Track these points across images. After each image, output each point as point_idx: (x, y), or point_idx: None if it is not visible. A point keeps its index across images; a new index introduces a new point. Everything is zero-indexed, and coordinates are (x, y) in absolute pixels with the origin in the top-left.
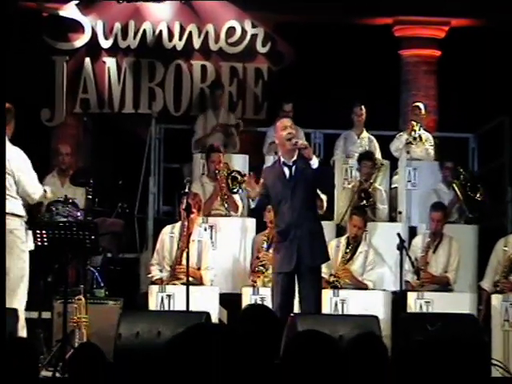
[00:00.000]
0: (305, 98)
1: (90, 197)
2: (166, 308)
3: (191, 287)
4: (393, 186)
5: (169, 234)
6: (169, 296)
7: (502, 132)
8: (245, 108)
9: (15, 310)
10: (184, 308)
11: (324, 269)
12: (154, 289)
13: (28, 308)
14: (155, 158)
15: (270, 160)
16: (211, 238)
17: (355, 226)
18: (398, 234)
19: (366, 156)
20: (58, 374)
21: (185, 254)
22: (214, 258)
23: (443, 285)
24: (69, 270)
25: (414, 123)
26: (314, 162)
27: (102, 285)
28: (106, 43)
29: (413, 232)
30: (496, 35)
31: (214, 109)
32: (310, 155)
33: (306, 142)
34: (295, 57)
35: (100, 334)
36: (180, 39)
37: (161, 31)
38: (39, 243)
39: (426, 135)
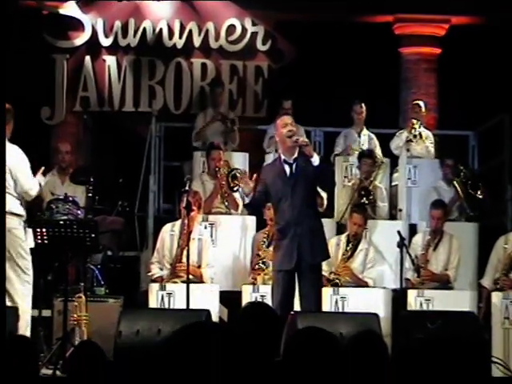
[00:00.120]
0: (305, 95)
1: (91, 195)
2: (167, 306)
3: (191, 285)
4: (393, 183)
5: (169, 232)
6: (169, 294)
7: (502, 130)
8: (245, 106)
9: (16, 309)
10: (184, 306)
11: (324, 266)
12: (154, 287)
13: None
14: (155, 156)
15: (270, 158)
16: (211, 235)
17: (355, 223)
18: (399, 232)
19: (366, 154)
20: (58, 372)
21: (185, 252)
22: (215, 256)
23: (443, 283)
24: (69, 268)
25: (414, 121)
26: (315, 160)
27: (103, 283)
28: (106, 41)
29: (413, 230)
30: (496, 33)
31: (214, 107)
32: (310, 152)
33: (306, 139)
34: (295, 55)
35: (100, 332)
36: (180, 37)
37: (161, 29)
38: (39, 241)
39: (426, 133)
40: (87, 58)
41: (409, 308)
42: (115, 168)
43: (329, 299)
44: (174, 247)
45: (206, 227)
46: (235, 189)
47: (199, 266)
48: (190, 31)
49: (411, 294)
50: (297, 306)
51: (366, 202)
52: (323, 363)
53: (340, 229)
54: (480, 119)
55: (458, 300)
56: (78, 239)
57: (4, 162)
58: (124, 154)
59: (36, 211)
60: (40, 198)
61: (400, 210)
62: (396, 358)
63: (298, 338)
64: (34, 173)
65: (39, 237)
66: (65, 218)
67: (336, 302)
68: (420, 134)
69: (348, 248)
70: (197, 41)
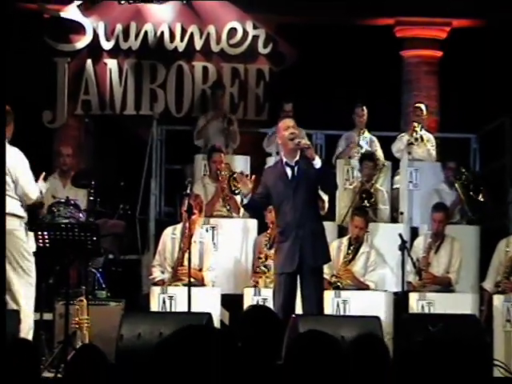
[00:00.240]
0: (306, 98)
1: (92, 198)
2: (168, 309)
3: (193, 288)
4: (394, 186)
5: (170, 236)
6: (170, 297)
7: (504, 132)
8: (246, 109)
9: (17, 312)
10: (186, 309)
11: (326, 269)
12: (155, 290)
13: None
14: (157, 159)
15: (271, 161)
16: (213, 239)
17: (357, 226)
18: (400, 235)
19: (368, 157)
20: (59, 376)
21: (186, 255)
22: (216, 259)
23: (445, 285)
24: (70, 272)
25: (416, 124)
26: (317, 162)
27: (104, 286)
28: (107, 45)
29: (414, 233)
30: (497, 36)
31: (216, 110)
32: (312, 155)
33: (308, 142)
34: (297, 58)
35: (102, 335)
36: (181, 40)
37: (162, 32)
38: (41, 244)
39: (427, 136)
40: (88, 62)
41: (410, 311)
42: (117, 171)
43: (330, 302)
44: (176, 250)
45: (207, 230)
46: (236, 192)
47: (200, 270)
48: (192, 34)
49: (413, 297)
50: (298, 309)
51: (368, 204)
52: (325, 367)
53: (341, 232)
54: (481, 122)
55: (460, 303)
56: (80, 242)
57: (4, 164)
58: (125, 157)
59: (37, 214)
60: (41, 203)
61: (401, 213)
62: (397, 360)
63: (300, 342)
64: (36, 176)
65: (41, 240)
66: (66, 221)
67: (338, 305)
68: (421, 136)
69: (349, 251)
70: (198, 44)
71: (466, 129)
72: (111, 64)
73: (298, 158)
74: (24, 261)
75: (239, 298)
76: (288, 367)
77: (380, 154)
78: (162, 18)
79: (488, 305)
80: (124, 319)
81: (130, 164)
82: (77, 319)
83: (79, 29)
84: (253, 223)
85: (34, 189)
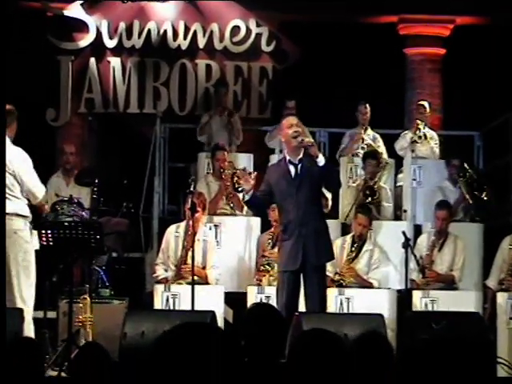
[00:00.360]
0: (309, 96)
1: (95, 196)
2: (172, 307)
3: (196, 286)
4: (398, 184)
5: (174, 234)
6: (174, 295)
7: (507, 130)
8: (249, 107)
9: (21, 310)
10: (189, 307)
11: (329, 267)
12: (159, 288)
13: (33, 308)
14: (160, 157)
15: (274, 158)
16: (216, 237)
17: (360, 224)
18: (403, 233)
19: (371, 155)
20: (63, 374)
21: (190, 254)
22: (219, 257)
23: (448, 283)
24: (74, 270)
25: (419, 121)
26: (321, 160)
27: (108, 284)
28: (110, 43)
29: (418, 230)
30: (501, 33)
31: (219, 107)
32: (316, 153)
33: (312, 140)
34: (300, 55)
35: (105, 333)
36: (185, 38)
37: (165, 31)
38: (44, 243)
39: (430, 133)
40: (92, 60)
41: (414, 309)
42: (120, 169)
43: (334, 300)
44: (179, 248)
45: (210, 228)
46: (239, 189)
47: (204, 268)
48: (195, 32)
49: (416, 295)
50: (302, 307)
51: (371, 202)
52: (328, 364)
53: (345, 229)
54: (485, 119)
55: (463, 300)
56: (83, 241)
57: (4, 163)
58: (129, 155)
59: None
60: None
61: (405, 211)
62: (401, 358)
63: (303, 340)
64: (39, 174)
65: (44, 238)
66: (70, 219)
67: (341, 303)
68: (425, 134)
69: (353, 249)
70: (201, 42)
71: (470, 126)
72: (114, 62)
73: (301, 155)
74: (25, 261)
75: (243, 295)
76: (291, 365)
77: (383, 151)
78: (165, 16)
79: (491, 302)
80: (127, 317)
81: (133, 162)
82: (80, 317)
83: (82, 27)
84: (256, 221)
85: (40, 188)
